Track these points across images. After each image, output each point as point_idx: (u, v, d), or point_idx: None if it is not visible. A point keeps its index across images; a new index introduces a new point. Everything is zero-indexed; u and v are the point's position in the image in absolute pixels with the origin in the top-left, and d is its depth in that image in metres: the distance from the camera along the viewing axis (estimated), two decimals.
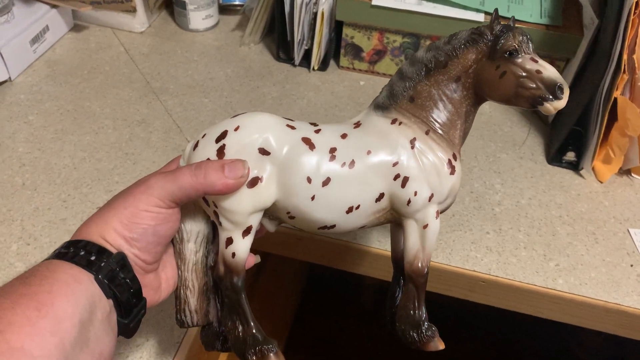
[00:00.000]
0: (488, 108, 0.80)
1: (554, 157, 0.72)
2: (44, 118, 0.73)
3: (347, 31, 0.80)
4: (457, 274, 0.60)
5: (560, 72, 0.77)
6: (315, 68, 0.83)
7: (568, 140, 0.70)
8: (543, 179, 0.70)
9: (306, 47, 0.82)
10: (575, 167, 0.71)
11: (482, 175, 0.70)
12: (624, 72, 0.62)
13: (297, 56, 0.82)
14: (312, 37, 0.80)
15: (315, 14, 0.77)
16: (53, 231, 0.59)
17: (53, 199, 0.63)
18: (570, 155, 0.71)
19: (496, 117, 0.79)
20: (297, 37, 0.79)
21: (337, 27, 0.81)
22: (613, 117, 0.65)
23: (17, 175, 0.65)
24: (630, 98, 0.64)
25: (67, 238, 0.58)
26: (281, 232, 0.63)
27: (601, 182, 0.70)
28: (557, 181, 0.70)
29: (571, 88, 0.71)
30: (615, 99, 0.64)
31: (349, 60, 0.83)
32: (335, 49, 0.83)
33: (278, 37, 0.82)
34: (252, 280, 0.88)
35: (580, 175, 0.71)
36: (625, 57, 0.62)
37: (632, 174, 0.71)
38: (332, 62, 0.85)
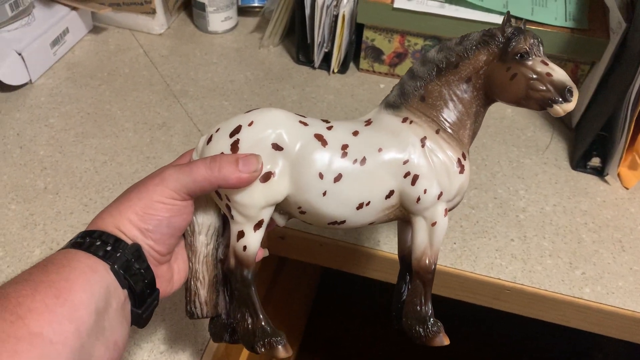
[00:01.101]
0: (510, 112, 0.79)
1: (579, 162, 0.71)
2: (64, 121, 0.73)
3: (367, 34, 0.79)
4: (482, 282, 0.59)
5: (585, 76, 0.76)
6: (335, 71, 0.82)
7: (593, 145, 0.69)
8: (567, 185, 0.69)
9: (326, 50, 0.81)
10: (600, 173, 0.70)
11: (506, 181, 0.69)
12: None
13: (317, 59, 0.82)
14: (332, 40, 0.79)
15: (336, 17, 0.76)
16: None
17: (75, 203, 0.63)
18: (595, 161, 0.70)
19: (519, 121, 0.78)
20: (317, 39, 0.79)
21: (357, 29, 0.80)
22: None
23: (39, 178, 0.65)
24: None
25: None
26: (298, 238, 0.63)
27: (627, 189, 0.69)
28: (581, 187, 0.69)
29: (596, 92, 0.71)
30: None
31: (369, 63, 0.82)
32: (356, 51, 0.83)
33: (298, 40, 0.82)
34: (268, 286, 0.88)
35: (606, 181, 0.70)
36: None
37: None
38: (352, 65, 0.84)
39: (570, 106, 0.40)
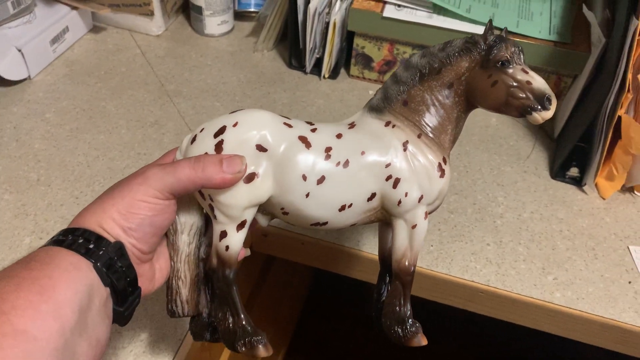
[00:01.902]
0: (495, 121, 0.81)
1: (558, 172, 0.73)
2: (60, 116, 0.75)
3: (358, 41, 0.82)
4: (456, 284, 0.61)
5: (568, 88, 0.78)
6: (326, 76, 0.85)
7: (572, 155, 0.71)
8: (546, 193, 0.71)
9: (317, 56, 0.83)
10: (578, 182, 0.72)
11: (486, 188, 0.71)
12: (628, 91, 0.63)
13: (309, 64, 0.84)
14: (323, 46, 0.81)
15: (328, 24, 0.79)
16: (65, 226, 0.61)
17: (66, 196, 0.65)
18: (574, 171, 0.72)
19: (502, 130, 0.80)
20: (309, 45, 0.81)
21: (348, 37, 0.83)
22: (617, 134, 0.66)
23: (33, 171, 0.67)
24: (634, 117, 0.65)
25: None
26: (285, 237, 0.65)
27: (603, 199, 0.71)
28: (559, 196, 0.71)
29: (577, 104, 0.73)
30: (620, 117, 0.65)
31: (359, 70, 0.84)
32: (346, 58, 0.85)
33: (290, 45, 0.84)
34: (255, 283, 0.90)
35: (583, 191, 0.72)
36: (630, 76, 0.62)
37: (635, 192, 0.71)
38: (342, 71, 0.86)
39: (548, 114, 0.41)
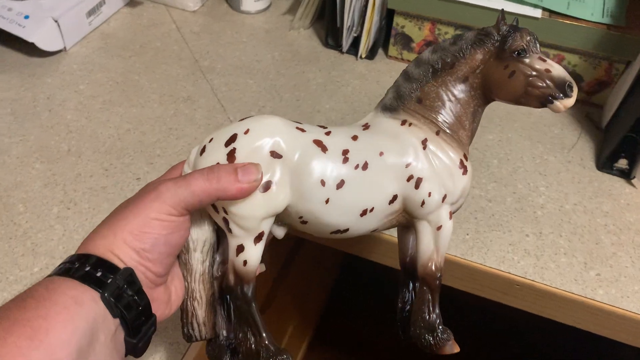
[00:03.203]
0: (538, 109, 0.77)
1: (605, 163, 0.69)
2: (93, 88, 0.75)
3: (398, 20, 0.79)
4: (492, 275, 0.58)
5: (619, 75, 0.73)
6: (363, 56, 0.82)
7: (621, 146, 0.67)
8: (591, 185, 0.67)
9: (355, 35, 0.81)
10: (626, 175, 0.68)
11: (527, 177, 0.68)
12: None
13: (346, 43, 0.81)
14: (361, 25, 0.79)
15: (367, 1, 0.76)
16: (93, 198, 0.61)
17: (96, 167, 0.64)
18: (622, 163, 0.68)
19: (547, 118, 0.76)
20: (346, 23, 0.78)
21: (388, 15, 0.80)
22: None
23: (64, 141, 0.67)
24: None
25: (106, 206, 0.60)
26: None
27: None
28: (605, 188, 0.67)
29: (629, 93, 0.69)
30: None
31: (398, 50, 0.82)
32: (385, 37, 0.82)
33: (327, 23, 0.82)
34: (283, 267, 0.88)
35: (632, 184, 0.67)
36: None
37: None
38: (380, 51, 0.83)
39: (570, 102, 0.40)
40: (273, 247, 0.72)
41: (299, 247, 0.96)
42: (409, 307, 0.45)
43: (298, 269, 0.97)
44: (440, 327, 0.43)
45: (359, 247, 0.63)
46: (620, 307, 0.56)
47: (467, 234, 0.61)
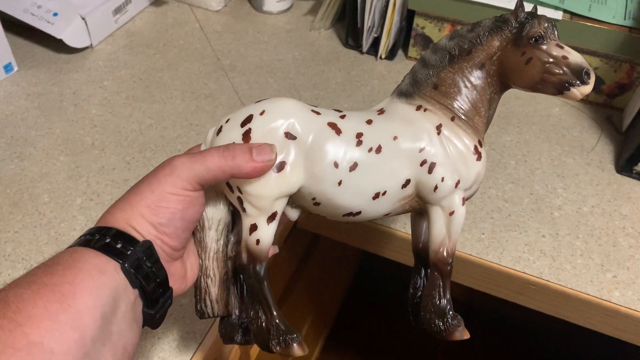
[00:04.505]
0: (558, 111, 0.77)
1: (624, 166, 0.68)
2: (118, 84, 0.77)
3: (418, 21, 0.79)
4: (507, 275, 0.58)
5: None
6: (383, 57, 0.83)
7: None
8: (610, 188, 0.67)
9: (375, 35, 0.81)
10: None
11: (545, 178, 0.67)
12: None
13: (366, 43, 0.82)
14: (382, 25, 0.79)
15: (388, 2, 0.77)
16: (115, 190, 0.62)
17: (118, 160, 0.66)
18: None
19: (566, 120, 0.75)
20: (367, 24, 0.79)
21: (408, 16, 0.80)
22: None
23: (88, 135, 0.69)
24: None
25: None
26: None
27: None
28: (624, 191, 0.67)
29: None
30: None
31: (418, 51, 0.82)
32: (405, 38, 0.83)
33: (348, 24, 0.82)
34: (300, 263, 0.89)
35: None
36: None
37: None
38: (400, 52, 0.84)
39: (587, 89, 0.39)
40: (290, 242, 0.73)
41: (316, 244, 0.97)
42: (420, 293, 0.46)
43: (315, 265, 0.97)
44: (450, 312, 0.43)
45: (376, 243, 0.64)
46: (636, 309, 0.55)
47: (483, 234, 0.61)
